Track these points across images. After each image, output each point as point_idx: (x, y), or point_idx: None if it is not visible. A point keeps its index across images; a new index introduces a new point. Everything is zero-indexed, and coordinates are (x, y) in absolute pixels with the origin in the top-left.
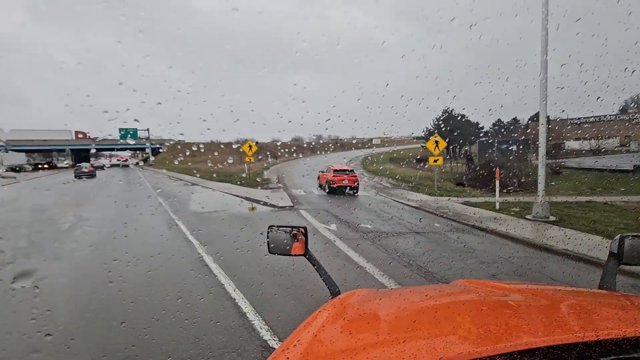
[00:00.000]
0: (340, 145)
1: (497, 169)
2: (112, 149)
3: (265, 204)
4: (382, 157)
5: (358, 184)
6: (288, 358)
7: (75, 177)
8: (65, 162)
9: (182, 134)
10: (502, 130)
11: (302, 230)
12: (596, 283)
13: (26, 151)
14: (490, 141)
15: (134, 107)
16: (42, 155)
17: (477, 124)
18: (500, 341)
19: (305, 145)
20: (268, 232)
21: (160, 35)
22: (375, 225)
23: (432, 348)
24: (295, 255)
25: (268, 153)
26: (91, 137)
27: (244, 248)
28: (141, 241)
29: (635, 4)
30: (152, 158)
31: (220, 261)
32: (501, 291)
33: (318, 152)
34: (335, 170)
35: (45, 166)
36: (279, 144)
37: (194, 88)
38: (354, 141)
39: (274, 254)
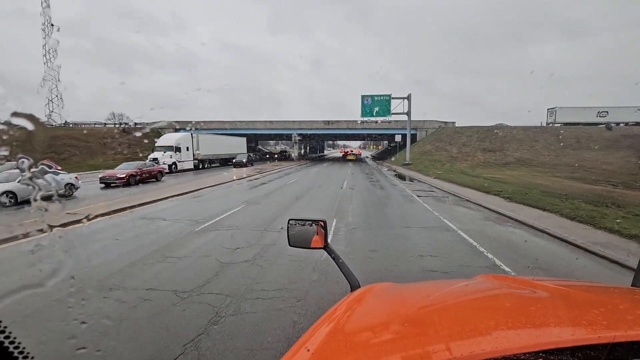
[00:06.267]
0: None
1: None
2: (346, 136)
3: None
4: None
5: None
6: (309, 350)
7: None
8: (294, 155)
9: None
10: None
11: (322, 223)
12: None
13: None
14: None
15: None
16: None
17: None
18: (525, 339)
19: None
20: (288, 226)
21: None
22: None
23: (454, 344)
24: (315, 248)
25: None
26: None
27: None
28: None
29: None
30: (408, 155)
31: None
32: (526, 287)
33: None
34: None
35: (276, 156)
36: None
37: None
38: None
39: (294, 247)
